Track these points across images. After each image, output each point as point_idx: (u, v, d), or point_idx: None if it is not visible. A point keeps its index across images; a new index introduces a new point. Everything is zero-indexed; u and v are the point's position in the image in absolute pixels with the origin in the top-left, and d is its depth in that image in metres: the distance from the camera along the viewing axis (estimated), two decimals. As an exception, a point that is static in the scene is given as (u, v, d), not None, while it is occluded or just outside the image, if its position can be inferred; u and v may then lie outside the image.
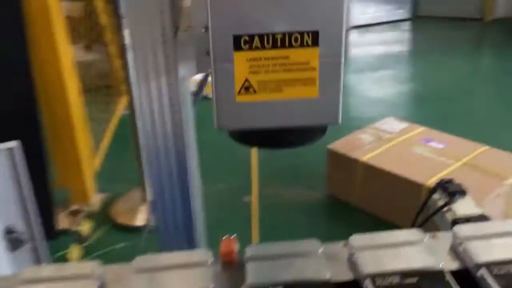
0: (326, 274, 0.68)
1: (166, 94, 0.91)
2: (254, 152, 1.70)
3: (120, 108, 4.03)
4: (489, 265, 0.67)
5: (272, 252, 0.73)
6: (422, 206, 1.08)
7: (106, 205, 2.71)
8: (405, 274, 0.67)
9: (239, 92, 0.46)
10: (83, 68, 3.78)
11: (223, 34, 0.43)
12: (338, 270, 0.71)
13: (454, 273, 0.69)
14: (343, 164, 2.54)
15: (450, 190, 1.03)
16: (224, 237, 0.78)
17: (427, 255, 0.70)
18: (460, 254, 0.72)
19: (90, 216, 2.64)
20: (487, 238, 0.73)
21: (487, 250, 0.70)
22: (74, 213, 2.66)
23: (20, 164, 1.66)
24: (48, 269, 0.73)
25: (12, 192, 1.66)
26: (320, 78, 0.46)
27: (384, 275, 0.67)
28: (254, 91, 0.46)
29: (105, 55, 4.13)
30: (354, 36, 5.78)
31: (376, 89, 4.27)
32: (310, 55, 0.45)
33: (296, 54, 0.45)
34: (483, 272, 0.67)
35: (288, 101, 0.46)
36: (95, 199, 2.77)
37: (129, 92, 2.67)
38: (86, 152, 2.80)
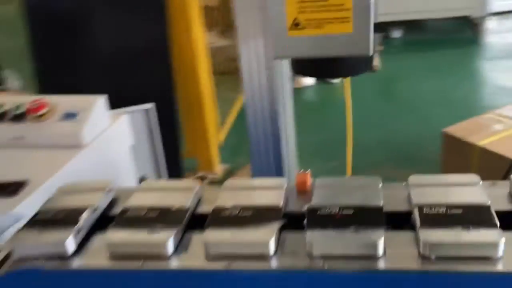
0: (379, 202, 0.78)
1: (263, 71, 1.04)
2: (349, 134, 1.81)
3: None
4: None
5: (337, 183, 0.85)
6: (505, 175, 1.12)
7: (228, 175, 2.96)
8: (451, 206, 0.75)
9: (290, 28, 0.58)
10: (216, 53, 4.09)
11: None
12: (393, 202, 0.81)
13: (504, 214, 0.75)
14: (459, 148, 2.51)
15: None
16: (300, 171, 0.91)
17: (477, 194, 0.78)
18: (512, 198, 0.78)
19: (213, 183, 2.90)
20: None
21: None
22: (200, 179, 2.94)
23: (154, 122, 1.93)
24: (160, 182, 0.92)
25: (147, 146, 1.93)
26: (353, 17, 0.57)
27: (431, 206, 0.76)
28: (302, 28, 0.58)
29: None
30: (492, 23, 5.50)
31: (509, 78, 4.07)
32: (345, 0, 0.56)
33: None
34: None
35: (328, 35, 0.58)
36: (219, 169, 3.04)
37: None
38: (213, 127, 3.07)
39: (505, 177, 2.19)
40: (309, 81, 4.59)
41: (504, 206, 0.78)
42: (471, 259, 0.68)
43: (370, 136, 3.52)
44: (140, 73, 2.67)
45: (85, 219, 0.83)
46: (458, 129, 2.55)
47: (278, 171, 1.12)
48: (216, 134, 3.13)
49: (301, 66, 0.68)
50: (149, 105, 1.94)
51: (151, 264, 0.76)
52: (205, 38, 2.97)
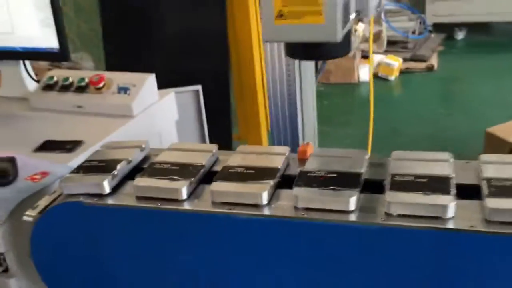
0: (360, 170, 0.92)
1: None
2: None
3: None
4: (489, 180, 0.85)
5: (331, 153, 1.00)
6: None
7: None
8: (419, 176, 0.88)
9: (276, 18, 0.74)
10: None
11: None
12: (375, 171, 0.95)
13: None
14: (500, 147, 2.55)
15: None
16: (303, 142, 1.06)
17: (445, 168, 0.90)
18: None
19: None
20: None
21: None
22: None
23: (201, 102, 2.12)
24: (186, 144, 1.10)
25: (194, 124, 2.13)
26: (324, 11, 0.72)
27: (402, 175, 0.89)
28: (285, 18, 0.73)
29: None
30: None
31: None
32: None
33: None
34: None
35: (306, 25, 0.73)
36: (266, 153, 3.19)
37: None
38: (264, 113, 3.23)
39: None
40: (366, 76, 4.67)
41: (468, 180, 0.90)
42: (426, 218, 0.81)
43: (419, 130, 3.62)
44: (198, 59, 2.87)
45: (120, 169, 1.02)
46: (500, 129, 2.59)
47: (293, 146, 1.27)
48: (266, 120, 3.30)
49: (290, 50, 0.83)
50: (198, 87, 2.13)
51: (167, 205, 0.93)
52: (259, 30, 3.14)
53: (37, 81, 1.84)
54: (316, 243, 0.87)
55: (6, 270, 1.21)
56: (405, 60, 4.78)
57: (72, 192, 0.99)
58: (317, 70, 1.49)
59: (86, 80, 1.69)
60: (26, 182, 1.25)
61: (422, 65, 4.77)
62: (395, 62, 4.63)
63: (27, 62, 1.84)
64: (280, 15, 0.72)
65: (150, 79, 1.67)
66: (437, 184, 0.85)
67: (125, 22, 2.93)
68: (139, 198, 0.96)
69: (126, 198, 0.97)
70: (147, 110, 1.65)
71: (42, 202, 1.04)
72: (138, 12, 2.87)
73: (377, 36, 4.79)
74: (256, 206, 0.90)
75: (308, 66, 1.28)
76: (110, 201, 0.97)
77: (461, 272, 0.80)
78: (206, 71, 2.84)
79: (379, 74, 4.66)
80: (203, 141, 2.20)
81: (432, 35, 5.28)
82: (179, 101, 2.12)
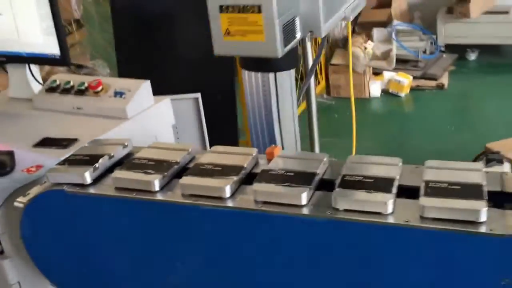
0: (316, 170, 1.01)
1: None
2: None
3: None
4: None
5: (293, 155, 1.09)
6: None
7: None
8: (367, 177, 0.96)
9: (224, 35, 0.84)
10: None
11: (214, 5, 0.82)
12: (330, 171, 1.03)
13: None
14: (494, 164, 2.61)
15: (489, 157, 1.23)
16: (272, 145, 1.15)
17: (392, 171, 0.98)
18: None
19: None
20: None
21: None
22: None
23: (201, 109, 2.22)
24: (163, 144, 1.19)
25: (194, 129, 2.23)
26: (264, 31, 0.82)
27: (352, 175, 0.97)
28: (232, 35, 0.83)
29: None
30: None
31: None
32: (258, 18, 0.81)
33: (251, 17, 0.82)
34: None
35: (250, 42, 0.83)
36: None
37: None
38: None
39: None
40: (376, 92, 4.76)
41: (412, 182, 0.98)
42: (368, 213, 0.89)
43: (426, 146, 3.69)
44: (206, 71, 2.98)
45: (102, 162, 1.12)
46: (499, 145, 2.64)
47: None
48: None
49: (242, 62, 0.94)
50: (197, 94, 2.24)
51: (141, 195, 1.03)
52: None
53: (42, 84, 1.96)
54: (271, 233, 0.96)
55: (1, 252, 1.32)
56: (415, 78, 4.85)
57: (57, 182, 1.09)
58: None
59: (86, 84, 1.80)
60: (22, 174, 1.36)
61: (433, 83, 4.83)
62: (405, 79, 4.70)
63: (33, 66, 1.96)
64: (228, 33, 0.82)
65: (145, 85, 1.77)
66: (381, 184, 0.94)
67: (135, 33, 3.05)
68: (117, 189, 1.06)
69: (105, 189, 1.07)
70: (142, 113, 1.75)
71: (33, 191, 1.14)
72: (148, 24, 2.99)
73: (387, 54, 4.87)
74: (220, 198, 0.99)
75: (285, 77, 1.37)
76: (91, 190, 1.07)
77: (395, 262, 0.88)
78: (213, 80, 2.95)
79: (390, 90, 4.74)
80: (204, 145, 2.30)
81: (444, 55, 5.35)
82: (180, 108, 2.23)
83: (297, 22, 0.88)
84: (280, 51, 0.81)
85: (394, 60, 4.83)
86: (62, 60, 1.81)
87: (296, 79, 3.21)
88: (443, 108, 4.47)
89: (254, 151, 1.12)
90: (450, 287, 0.86)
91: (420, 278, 0.87)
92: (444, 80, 4.91)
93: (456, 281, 0.85)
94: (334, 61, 4.78)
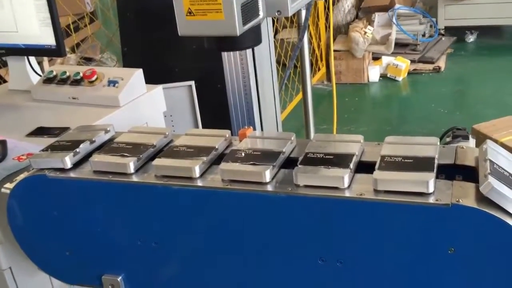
0: (282, 149, 1.05)
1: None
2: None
3: (313, 80, 4.57)
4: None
5: (262, 135, 1.13)
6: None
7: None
8: (329, 154, 1.00)
9: (186, 14, 0.88)
10: (288, 45, 4.39)
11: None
12: (297, 150, 1.07)
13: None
14: (486, 144, 2.61)
15: (456, 134, 1.26)
16: (245, 127, 1.19)
17: (355, 147, 1.02)
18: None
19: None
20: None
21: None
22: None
23: (195, 96, 2.27)
24: (142, 128, 1.24)
25: (189, 115, 2.28)
26: (223, 9, 0.85)
27: (319, 153, 1.01)
28: (194, 15, 0.87)
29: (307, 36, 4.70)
30: None
31: None
32: None
33: None
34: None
35: (210, 20, 0.86)
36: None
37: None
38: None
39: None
40: (375, 77, 4.76)
41: (371, 158, 1.01)
42: (326, 188, 0.93)
43: (418, 128, 3.72)
44: (208, 59, 3.01)
45: (83, 147, 1.17)
46: (486, 126, 2.66)
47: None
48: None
49: (208, 42, 0.98)
50: (191, 82, 2.28)
51: (117, 178, 1.08)
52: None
53: (40, 75, 2.02)
54: (238, 210, 1.01)
55: (-7, 238, 1.38)
56: (413, 61, 4.85)
57: (40, 167, 1.15)
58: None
59: (81, 74, 1.86)
60: (13, 162, 1.42)
61: (430, 66, 4.83)
62: (403, 63, 4.71)
63: (32, 58, 2.02)
64: (190, 12, 0.86)
65: (137, 74, 1.83)
66: (340, 161, 0.97)
67: (139, 25, 3.10)
68: (95, 172, 1.11)
69: (85, 173, 1.13)
70: (134, 101, 1.80)
71: (19, 177, 1.20)
72: (152, 17, 3.03)
73: (386, 39, 4.87)
74: (190, 178, 1.04)
75: (264, 62, 1.41)
76: (71, 174, 1.13)
77: (352, 234, 0.92)
78: (214, 68, 2.99)
79: (388, 75, 4.75)
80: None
81: (443, 38, 5.33)
82: (174, 95, 2.28)
83: (260, 1, 0.92)
84: (238, 29, 0.85)
85: (393, 45, 4.84)
86: (58, 51, 1.87)
87: (296, 66, 3.27)
88: (438, 91, 4.50)
89: (227, 132, 1.16)
90: (403, 257, 0.90)
91: (375, 249, 0.91)
92: (441, 63, 4.91)
93: (408, 251, 0.89)
94: (335, 47, 4.79)
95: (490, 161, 0.88)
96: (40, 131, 1.63)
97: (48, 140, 1.53)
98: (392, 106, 4.44)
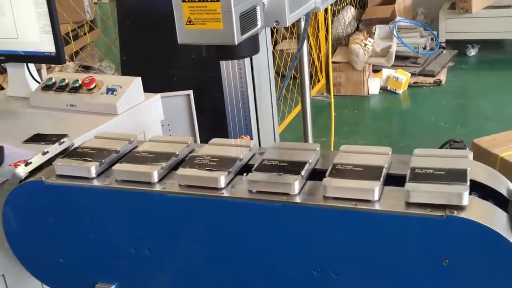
0: (241, 156, 1.06)
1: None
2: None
3: (313, 92, 4.59)
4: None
5: (222, 143, 1.15)
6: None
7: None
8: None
9: (186, 23, 0.89)
10: (288, 56, 4.41)
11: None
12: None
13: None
14: (485, 158, 2.62)
15: (453, 146, 1.26)
16: (242, 136, 1.20)
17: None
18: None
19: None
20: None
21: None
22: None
23: (193, 105, 2.28)
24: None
25: (186, 124, 2.29)
26: (222, 19, 0.86)
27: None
28: (193, 24, 0.88)
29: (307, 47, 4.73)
30: None
31: None
32: (216, 6, 0.86)
33: (210, 5, 0.87)
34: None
35: (209, 29, 0.87)
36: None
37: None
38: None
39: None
40: (375, 90, 4.78)
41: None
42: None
43: (417, 142, 3.72)
44: (206, 70, 3.03)
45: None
46: (486, 141, 2.67)
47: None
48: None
49: (206, 52, 0.98)
50: (189, 92, 2.29)
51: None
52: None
53: (39, 82, 2.03)
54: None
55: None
56: (414, 74, 4.86)
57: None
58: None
59: (80, 81, 1.86)
60: (9, 168, 1.42)
61: (430, 79, 4.85)
62: (404, 76, 4.72)
63: (31, 65, 2.03)
64: (189, 21, 0.87)
65: (136, 82, 1.83)
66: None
67: (139, 35, 3.11)
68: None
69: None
70: (131, 110, 1.80)
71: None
72: (151, 26, 3.05)
73: (386, 51, 4.89)
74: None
75: (263, 71, 1.42)
76: (67, 181, 1.12)
77: (346, 245, 0.92)
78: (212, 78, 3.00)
79: (388, 88, 4.77)
80: (194, 139, 2.36)
81: (444, 52, 5.35)
82: (172, 104, 2.28)
83: (258, 10, 0.93)
84: (236, 38, 0.86)
85: (393, 57, 4.86)
86: (57, 58, 1.87)
87: (295, 77, 3.29)
88: (439, 104, 4.51)
89: (189, 139, 1.18)
90: (398, 267, 0.90)
91: (370, 260, 0.91)
92: (442, 76, 4.92)
93: (402, 262, 0.89)
94: (336, 58, 4.81)
95: (411, 168, 0.94)
96: (37, 138, 1.63)
97: (45, 147, 1.53)
98: (392, 119, 4.45)
